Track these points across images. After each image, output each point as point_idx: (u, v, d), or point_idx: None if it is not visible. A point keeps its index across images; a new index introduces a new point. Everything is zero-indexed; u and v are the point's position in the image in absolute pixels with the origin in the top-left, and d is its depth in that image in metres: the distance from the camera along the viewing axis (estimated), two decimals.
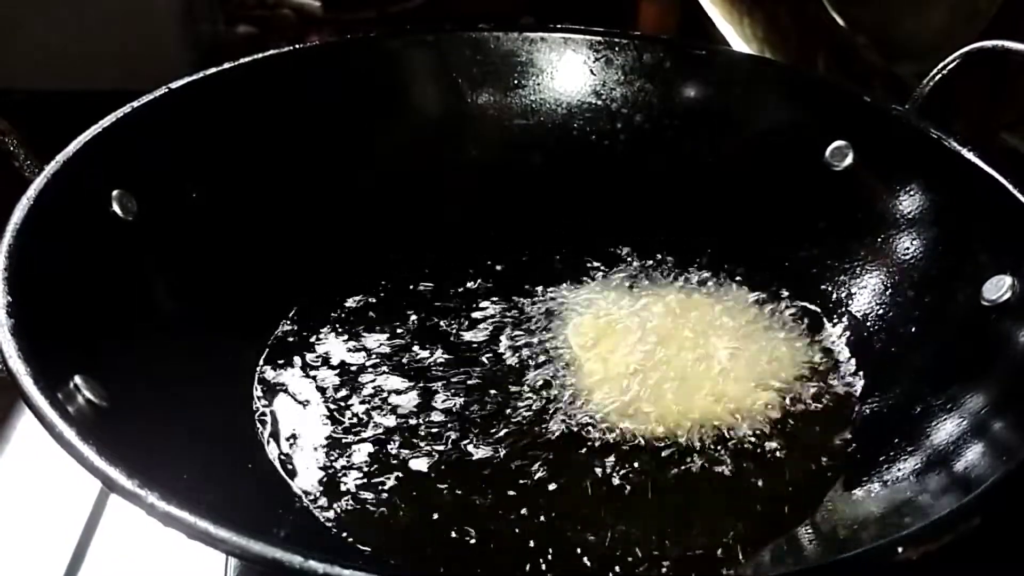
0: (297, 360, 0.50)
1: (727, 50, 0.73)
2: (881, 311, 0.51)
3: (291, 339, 0.51)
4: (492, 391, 0.48)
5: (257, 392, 0.48)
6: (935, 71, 0.52)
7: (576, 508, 0.43)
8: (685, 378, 0.49)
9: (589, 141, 0.61)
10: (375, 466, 0.44)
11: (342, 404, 0.47)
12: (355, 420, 0.47)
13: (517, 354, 0.51)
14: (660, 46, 0.60)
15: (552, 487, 0.43)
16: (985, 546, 0.37)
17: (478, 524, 0.41)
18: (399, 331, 0.52)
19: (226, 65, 0.53)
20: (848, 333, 0.52)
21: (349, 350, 0.51)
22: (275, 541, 0.28)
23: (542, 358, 0.51)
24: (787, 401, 0.49)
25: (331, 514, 0.42)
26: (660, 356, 0.50)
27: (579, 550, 0.41)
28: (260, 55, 0.55)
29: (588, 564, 0.40)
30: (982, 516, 0.32)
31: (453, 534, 0.41)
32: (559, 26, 0.61)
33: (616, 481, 0.44)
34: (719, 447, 0.46)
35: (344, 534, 0.41)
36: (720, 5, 0.80)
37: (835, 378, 0.50)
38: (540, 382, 0.49)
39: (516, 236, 0.59)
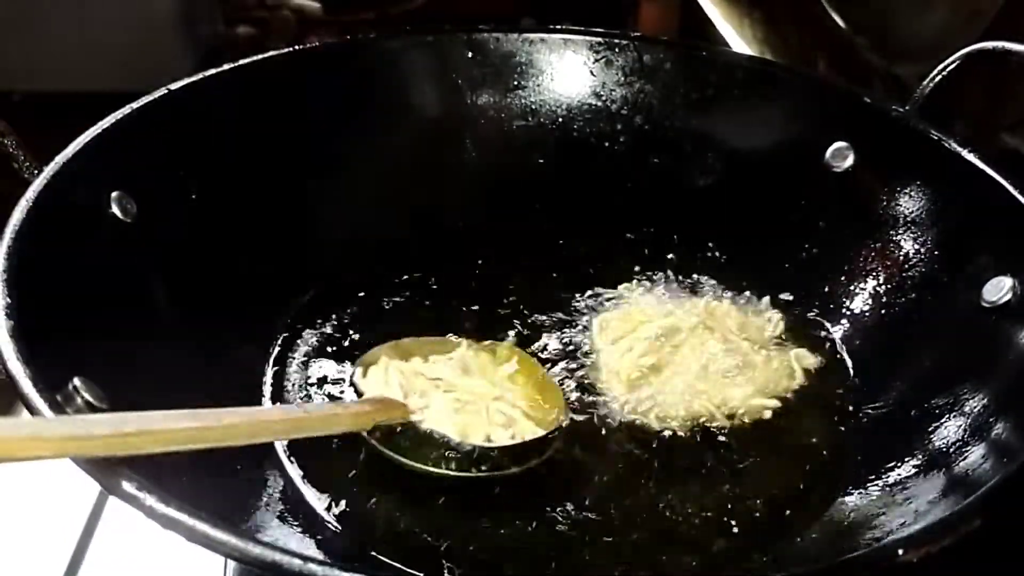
0: (297, 360, 0.50)
1: (727, 51, 0.73)
2: (882, 312, 0.51)
3: (291, 340, 0.51)
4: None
5: (257, 392, 0.48)
6: (935, 72, 0.52)
7: (558, 499, 0.43)
8: (693, 378, 0.49)
9: (589, 142, 0.61)
10: (378, 466, 0.44)
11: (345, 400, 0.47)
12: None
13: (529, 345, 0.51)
14: (660, 47, 0.60)
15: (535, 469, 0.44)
16: (986, 547, 0.37)
17: (478, 521, 0.42)
18: (401, 329, 0.52)
19: (226, 66, 0.53)
20: (849, 334, 0.52)
21: (350, 350, 0.51)
22: (274, 544, 0.28)
23: (555, 344, 0.52)
24: (788, 403, 0.49)
25: (332, 515, 0.42)
26: (672, 355, 0.50)
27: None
28: (260, 56, 0.55)
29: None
30: (983, 518, 0.32)
31: (453, 532, 0.41)
32: (559, 27, 0.61)
33: (605, 474, 0.45)
34: (719, 446, 0.46)
35: (345, 535, 0.41)
36: (720, 6, 0.80)
37: (836, 379, 0.50)
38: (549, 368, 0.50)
39: (516, 237, 0.59)
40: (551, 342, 0.52)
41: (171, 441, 0.31)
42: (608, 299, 0.55)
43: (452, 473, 0.42)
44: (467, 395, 0.45)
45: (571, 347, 0.52)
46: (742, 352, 0.50)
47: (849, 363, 0.51)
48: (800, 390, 0.50)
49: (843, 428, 0.47)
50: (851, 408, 0.48)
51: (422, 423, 0.43)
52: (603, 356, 0.51)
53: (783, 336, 0.53)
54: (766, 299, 0.55)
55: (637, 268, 0.57)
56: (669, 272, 0.57)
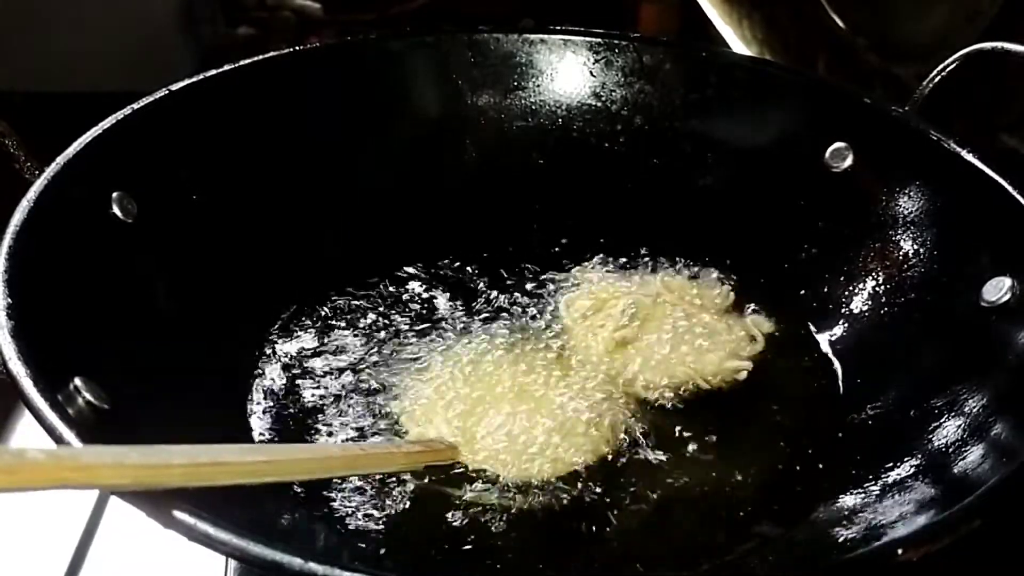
0: (297, 360, 0.50)
1: (727, 52, 0.73)
2: (882, 312, 0.51)
3: (291, 339, 0.51)
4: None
5: (257, 393, 0.48)
6: (935, 72, 0.52)
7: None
8: (668, 348, 0.50)
9: (589, 143, 0.61)
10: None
11: (343, 403, 0.48)
12: (357, 419, 0.47)
13: (518, 328, 0.53)
14: (660, 48, 0.60)
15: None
16: (986, 548, 0.37)
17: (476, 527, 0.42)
18: (401, 329, 0.52)
19: (226, 67, 0.53)
20: (848, 334, 0.52)
21: (349, 349, 0.51)
22: (275, 543, 0.28)
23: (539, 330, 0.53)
24: (786, 401, 0.49)
25: (331, 515, 0.42)
26: (642, 329, 0.52)
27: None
28: (260, 57, 0.55)
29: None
30: (982, 518, 0.32)
31: (450, 529, 0.41)
32: (559, 28, 0.61)
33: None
34: (714, 443, 0.46)
35: (344, 535, 0.41)
36: (720, 7, 0.80)
37: (835, 379, 0.50)
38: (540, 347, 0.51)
39: (515, 237, 0.59)
40: (521, 324, 0.53)
41: (242, 474, 0.31)
42: (569, 282, 0.56)
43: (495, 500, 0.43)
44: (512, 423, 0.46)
45: (542, 327, 0.53)
46: (704, 321, 0.52)
47: (848, 363, 0.51)
48: (797, 390, 0.50)
49: (841, 427, 0.47)
50: (849, 408, 0.48)
51: (471, 462, 0.44)
52: (576, 335, 0.52)
53: (779, 334, 0.53)
54: (714, 272, 0.56)
55: (636, 265, 0.57)
56: (667, 270, 0.57)
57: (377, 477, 0.43)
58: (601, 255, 0.58)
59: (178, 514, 0.28)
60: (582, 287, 0.55)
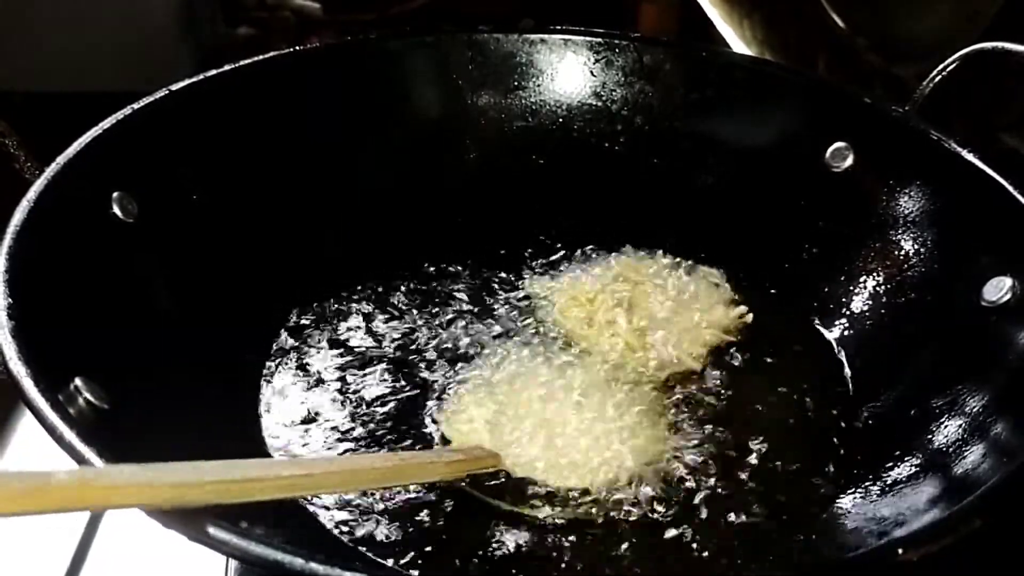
0: (298, 360, 0.50)
1: (727, 52, 0.73)
2: (881, 312, 0.51)
3: (291, 339, 0.51)
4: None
5: (263, 395, 0.48)
6: (935, 72, 0.52)
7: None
8: (677, 319, 0.52)
9: (589, 143, 0.61)
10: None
11: (343, 403, 0.48)
12: (357, 419, 0.47)
13: (532, 333, 0.53)
14: (660, 48, 0.60)
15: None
16: (986, 548, 0.37)
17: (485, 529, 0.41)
18: (400, 330, 0.52)
19: (226, 67, 0.53)
20: (848, 334, 0.52)
21: (350, 349, 0.51)
22: (276, 543, 0.28)
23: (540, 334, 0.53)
24: (785, 401, 0.49)
25: (332, 514, 0.42)
26: (639, 311, 0.52)
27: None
28: (260, 57, 0.55)
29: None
30: (982, 518, 0.32)
31: (490, 539, 0.41)
32: (559, 27, 0.61)
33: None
34: (719, 449, 0.46)
35: (345, 535, 0.41)
36: (720, 7, 0.80)
37: (835, 379, 0.50)
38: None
39: (515, 237, 0.59)
40: (533, 326, 0.53)
41: (277, 489, 0.30)
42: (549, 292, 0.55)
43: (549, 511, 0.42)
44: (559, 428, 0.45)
45: (554, 332, 0.52)
46: (678, 285, 0.54)
47: (848, 363, 0.51)
48: (799, 387, 0.50)
49: (841, 427, 0.47)
50: (850, 408, 0.48)
51: (515, 470, 0.43)
52: (591, 339, 0.51)
53: (778, 334, 0.53)
54: (627, 246, 0.58)
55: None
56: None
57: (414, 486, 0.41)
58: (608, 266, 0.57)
59: (178, 514, 0.28)
60: (562, 293, 0.54)
